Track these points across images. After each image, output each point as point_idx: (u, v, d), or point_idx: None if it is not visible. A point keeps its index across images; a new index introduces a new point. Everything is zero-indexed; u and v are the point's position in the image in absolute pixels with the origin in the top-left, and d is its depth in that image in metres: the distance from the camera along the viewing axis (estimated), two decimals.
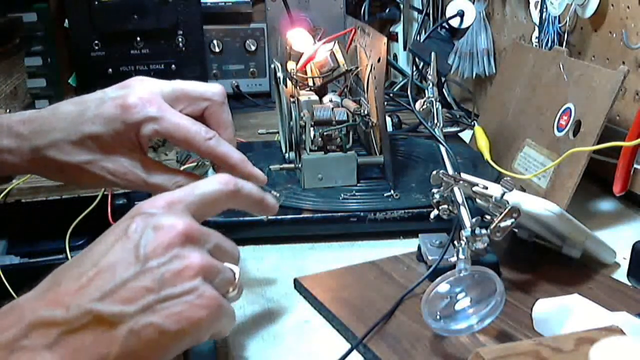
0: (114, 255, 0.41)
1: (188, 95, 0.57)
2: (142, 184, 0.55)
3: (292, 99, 0.91)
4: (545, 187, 0.85)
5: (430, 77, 0.92)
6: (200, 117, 0.57)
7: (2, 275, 0.88)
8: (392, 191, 0.84)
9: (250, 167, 0.57)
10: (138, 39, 1.16)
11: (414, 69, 1.43)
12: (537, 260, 0.72)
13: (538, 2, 1.03)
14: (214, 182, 0.48)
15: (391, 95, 1.43)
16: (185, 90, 0.57)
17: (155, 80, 0.57)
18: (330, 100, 0.94)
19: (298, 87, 0.97)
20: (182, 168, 1.03)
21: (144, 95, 0.54)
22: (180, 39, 1.18)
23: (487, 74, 1.24)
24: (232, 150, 0.56)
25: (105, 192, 0.94)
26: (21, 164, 0.56)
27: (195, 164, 0.60)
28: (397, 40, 1.54)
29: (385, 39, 0.83)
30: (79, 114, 0.55)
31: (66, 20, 1.18)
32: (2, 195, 0.92)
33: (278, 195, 0.55)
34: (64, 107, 0.56)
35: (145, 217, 0.43)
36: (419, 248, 0.73)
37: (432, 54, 0.97)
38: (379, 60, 0.85)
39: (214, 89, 0.58)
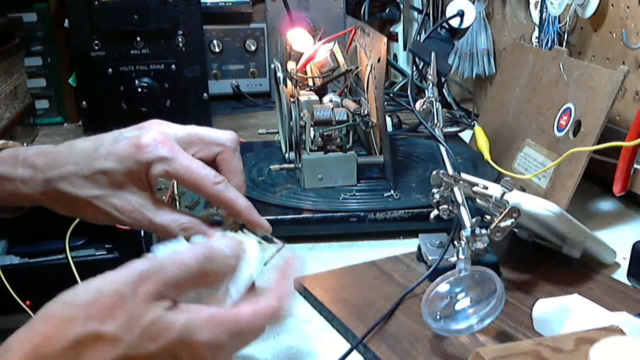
0: None
1: (202, 139, 0.58)
2: (147, 224, 0.55)
3: (292, 99, 0.91)
4: (545, 187, 0.85)
5: (430, 77, 0.92)
6: (213, 162, 0.58)
7: (2, 275, 0.88)
8: (392, 191, 0.84)
9: (255, 216, 0.57)
10: (138, 39, 1.16)
11: (414, 69, 1.43)
12: (537, 260, 0.72)
13: (538, 2, 1.03)
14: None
15: (391, 95, 1.43)
16: (199, 134, 0.58)
17: (171, 124, 0.58)
18: (330, 100, 0.94)
19: (298, 87, 0.97)
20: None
21: (157, 136, 0.55)
22: (180, 39, 1.18)
23: (487, 74, 1.24)
24: (239, 197, 0.57)
25: None
26: (34, 195, 0.57)
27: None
28: (397, 40, 1.54)
29: (385, 39, 0.83)
30: (94, 149, 0.56)
31: (66, 20, 1.18)
32: None
33: (281, 245, 0.54)
34: (80, 143, 0.58)
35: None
36: (419, 248, 0.73)
37: (432, 54, 0.97)
38: (379, 60, 0.85)
39: (227, 136, 0.60)
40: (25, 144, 0.60)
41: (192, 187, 0.55)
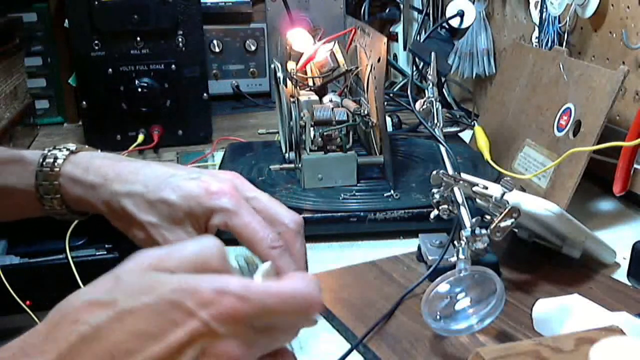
0: None
1: (267, 211, 0.56)
2: None
3: (292, 99, 0.91)
4: (545, 187, 0.85)
5: (430, 77, 0.92)
6: None
7: (2, 275, 0.88)
8: (392, 191, 0.84)
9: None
10: (138, 39, 1.16)
11: (414, 69, 1.43)
12: (537, 260, 0.72)
13: (538, 2, 1.03)
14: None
15: (391, 95, 1.43)
16: (266, 205, 0.56)
17: (247, 182, 0.57)
18: (330, 100, 0.94)
19: (298, 87, 0.97)
20: None
21: (227, 187, 0.54)
22: (180, 39, 1.18)
23: (487, 74, 1.24)
24: (293, 268, 0.52)
25: None
26: (97, 204, 0.57)
27: None
28: (397, 40, 1.54)
29: (385, 39, 0.83)
30: (166, 178, 0.56)
31: (66, 20, 1.18)
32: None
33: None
34: (157, 166, 0.57)
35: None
36: (419, 248, 0.73)
37: (432, 54, 0.97)
38: (379, 60, 0.85)
39: (292, 216, 0.56)
40: (48, 150, 0.60)
41: (248, 245, 0.53)
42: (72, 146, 0.59)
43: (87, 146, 0.61)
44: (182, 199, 0.54)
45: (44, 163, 0.57)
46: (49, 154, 0.58)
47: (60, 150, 0.58)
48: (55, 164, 0.57)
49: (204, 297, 0.36)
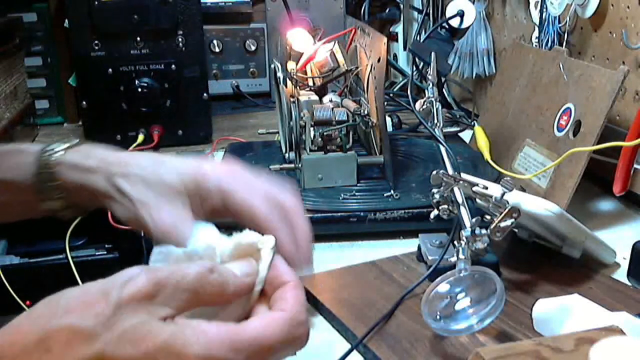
0: None
1: (264, 191, 0.55)
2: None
3: (292, 99, 0.91)
4: (545, 187, 0.85)
5: (430, 77, 0.92)
6: None
7: (2, 275, 0.88)
8: (392, 191, 0.84)
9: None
10: (138, 39, 1.16)
11: (414, 69, 1.43)
12: (537, 260, 0.72)
13: (538, 2, 1.03)
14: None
15: (391, 95, 1.43)
16: (263, 185, 0.55)
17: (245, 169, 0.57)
18: (330, 100, 0.94)
19: (298, 87, 0.97)
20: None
21: (226, 170, 0.55)
22: (180, 39, 1.18)
23: (487, 74, 1.24)
24: (293, 240, 0.52)
25: None
26: (94, 186, 0.56)
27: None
28: (397, 40, 1.54)
29: (385, 39, 0.83)
30: (163, 161, 0.56)
31: (66, 20, 1.18)
32: None
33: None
34: (157, 154, 0.58)
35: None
36: (419, 248, 0.73)
37: (432, 54, 0.97)
38: (379, 60, 0.85)
39: (290, 193, 0.56)
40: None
41: (247, 221, 0.52)
42: (75, 140, 0.59)
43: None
44: (178, 178, 0.54)
45: (47, 150, 0.57)
46: (51, 145, 0.58)
47: (63, 143, 0.58)
48: (57, 152, 0.57)
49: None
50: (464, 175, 0.68)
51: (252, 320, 0.41)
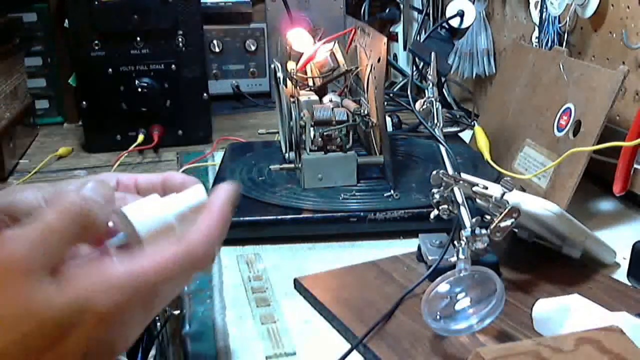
0: None
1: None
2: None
3: (292, 99, 0.91)
4: (545, 187, 0.85)
5: (430, 77, 0.92)
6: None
7: None
8: (392, 191, 0.84)
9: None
10: (138, 39, 1.17)
11: (414, 69, 1.43)
12: (537, 260, 0.72)
13: (538, 2, 1.03)
14: None
15: (391, 95, 1.43)
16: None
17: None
18: (330, 100, 0.94)
19: (298, 87, 0.97)
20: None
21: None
22: (180, 39, 1.18)
23: (487, 74, 1.24)
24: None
25: None
26: None
27: None
28: (397, 40, 1.54)
29: (385, 39, 0.83)
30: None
31: (66, 20, 1.18)
32: None
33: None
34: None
35: None
36: (419, 248, 0.73)
37: (432, 54, 0.97)
38: (379, 60, 0.85)
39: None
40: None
41: (142, 188, 0.50)
42: None
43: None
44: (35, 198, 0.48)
45: None
46: None
47: None
48: None
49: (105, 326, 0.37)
50: (464, 175, 0.68)
51: (152, 254, 0.40)
